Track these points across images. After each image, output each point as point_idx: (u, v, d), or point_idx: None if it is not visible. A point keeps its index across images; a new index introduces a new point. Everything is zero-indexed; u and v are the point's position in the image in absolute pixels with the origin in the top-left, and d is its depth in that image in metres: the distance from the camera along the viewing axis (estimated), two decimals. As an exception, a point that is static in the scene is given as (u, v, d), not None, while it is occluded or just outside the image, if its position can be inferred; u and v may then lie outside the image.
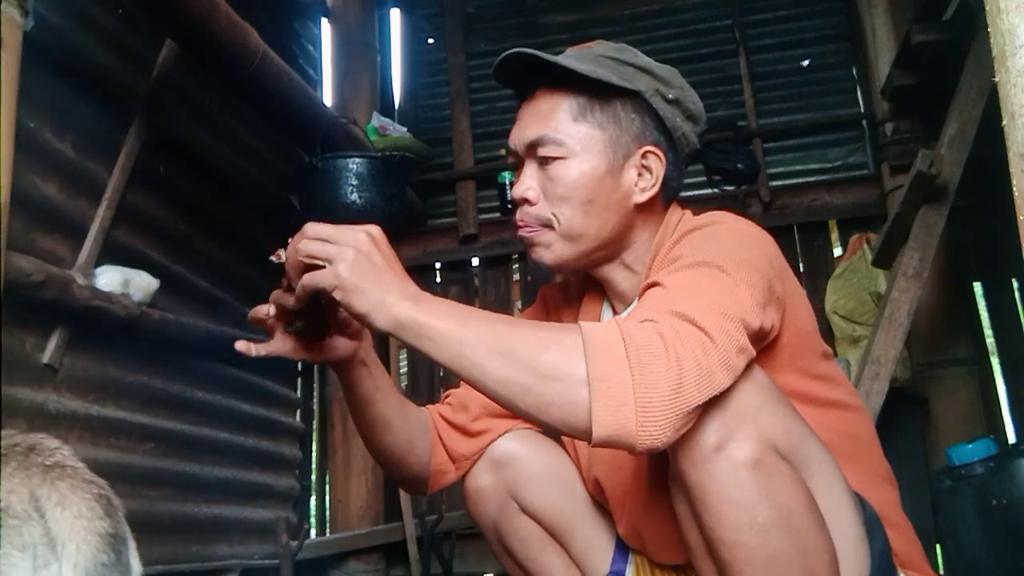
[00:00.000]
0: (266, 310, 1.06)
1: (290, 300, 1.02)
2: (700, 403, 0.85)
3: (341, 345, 1.12)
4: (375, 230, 0.97)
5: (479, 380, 0.89)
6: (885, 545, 1.03)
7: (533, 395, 0.86)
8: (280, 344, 1.08)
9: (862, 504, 1.02)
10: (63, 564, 0.95)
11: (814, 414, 1.04)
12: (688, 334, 0.85)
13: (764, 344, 1.01)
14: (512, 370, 0.87)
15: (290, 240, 1.00)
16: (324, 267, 0.94)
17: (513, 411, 0.90)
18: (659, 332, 0.85)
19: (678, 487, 0.95)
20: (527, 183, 1.20)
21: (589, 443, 0.85)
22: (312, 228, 0.97)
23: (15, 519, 0.94)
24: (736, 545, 0.89)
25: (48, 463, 1.02)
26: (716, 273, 0.95)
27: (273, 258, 1.04)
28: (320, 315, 1.09)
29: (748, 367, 0.92)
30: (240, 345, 1.07)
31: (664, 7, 4.00)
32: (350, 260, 0.92)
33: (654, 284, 0.97)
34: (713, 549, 0.91)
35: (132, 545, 1.06)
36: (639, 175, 1.19)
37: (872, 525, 1.01)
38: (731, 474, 0.89)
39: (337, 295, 0.93)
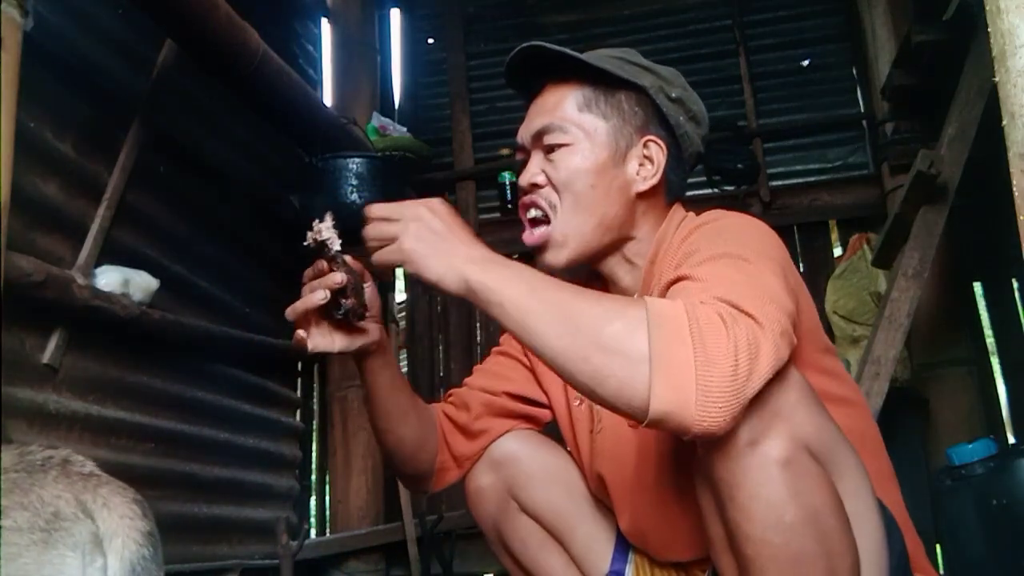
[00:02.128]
0: (322, 295, 1.07)
1: (337, 278, 1.05)
2: (756, 388, 0.84)
3: (373, 328, 1.16)
4: (435, 201, 1.01)
5: (541, 348, 0.90)
6: (903, 550, 1.03)
7: (592, 365, 0.86)
8: (323, 340, 1.12)
9: (882, 508, 1.02)
10: (109, 558, 1.02)
11: None
12: (739, 317, 0.85)
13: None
14: (573, 341, 0.87)
15: (314, 222, 1.05)
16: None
17: (570, 382, 0.90)
18: (719, 313, 0.85)
19: (704, 479, 0.94)
20: (533, 170, 1.23)
21: (640, 421, 0.84)
22: (375, 210, 1.02)
23: (67, 521, 1.02)
24: (761, 542, 0.88)
25: (84, 472, 1.10)
26: (740, 263, 0.95)
27: (308, 242, 1.07)
28: (361, 293, 1.12)
29: (784, 365, 0.91)
30: (299, 335, 1.10)
31: (664, 7, 4.00)
32: (412, 233, 0.98)
33: (682, 278, 0.96)
34: (736, 545, 0.91)
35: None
36: (641, 165, 1.21)
37: (891, 530, 1.01)
38: (762, 471, 0.88)
39: (408, 268, 0.98)
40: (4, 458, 1.07)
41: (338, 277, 1.07)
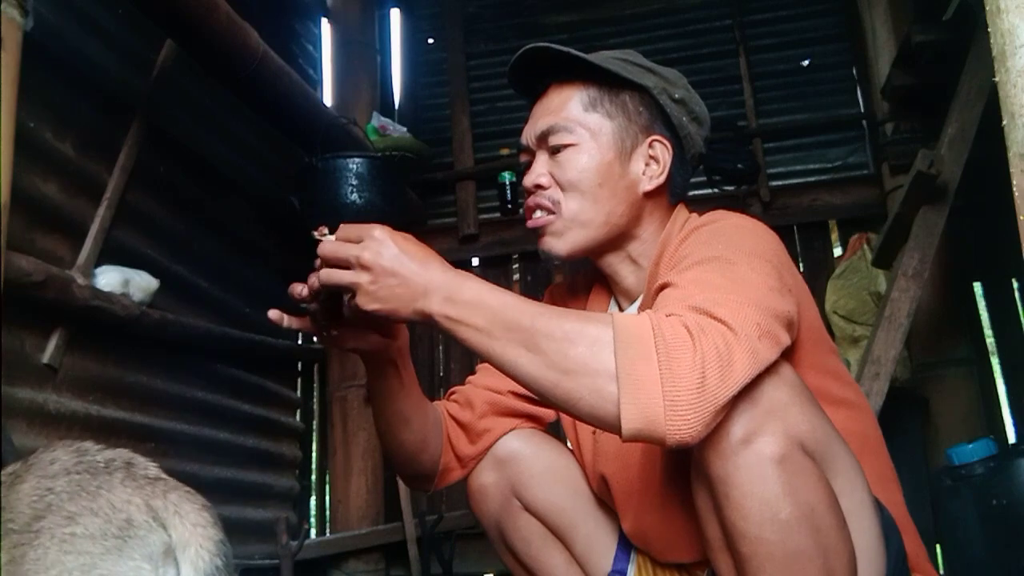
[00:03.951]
0: (302, 288, 1.06)
1: (309, 279, 1.04)
2: (729, 395, 0.84)
3: (372, 339, 1.14)
4: (377, 234, 0.97)
5: (512, 375, 0.91)
6: (900, 548, 1.03)
7: (563, 389, 0.87)
8: (308, 322, 1.11)
9: (879, 507, 1.02)
10: (183, 568, 0.98)
11: (827, 412, 1.04)
12: (708, 326, 0.86)
13: (793, 333, 1.00)
14: (541, 367, 0.88)
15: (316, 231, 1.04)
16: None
17: (547, 404, 0.92)
18: (685, 325, 0.85)
19: (700, 478, 0.95)
20: (538, 170, 1.23)
21: (620, 437, 0.85)
22: (323, 250, 0.98)
23: (141, 529, 0.97)
24: (757, 540, 0.89)
25: (150, 476, 1.05)
26: (726, 266, 0.96)
27: (315, 233, 1.05)
28: (337, 304, 1.09)
29: (777, 363, 0.91)
30: (273, 314, 1.09)
31: (664, 7, 4.00)
32: (365, 286, 0.95)
33: (666, 285, 0.97)
34: (732, 543, 0.91)
35: None
36: (646, 164, 1.22)
37: (888, 528, 1.01)
38: (757, 469, 0.88)
39: (376, 316, 0.97)
40: (61, 456, 1.02)
41: (310, 279, 1.05)
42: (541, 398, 0.91)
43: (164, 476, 1.06)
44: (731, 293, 0.90)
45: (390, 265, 0.94)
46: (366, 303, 0.95)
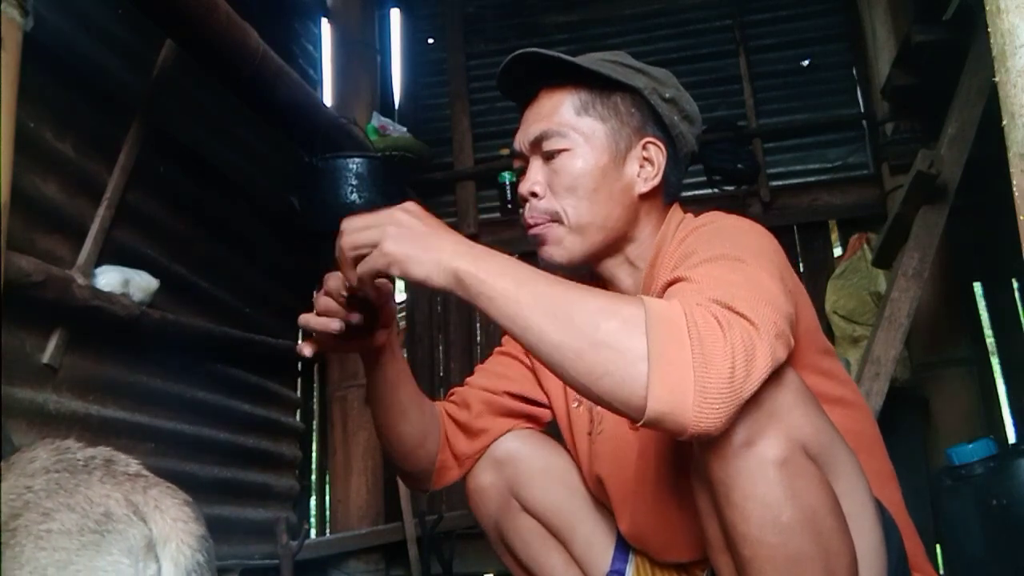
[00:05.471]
0: (337, 326, 1.05)
1: (352, 283, 1.02)
2: (751, 390, 0.83)
3: (378, 331, 1.15)
4: (408, 205, 0.97)
5: (534, 343, 0.87)
6: (901, 549, 1.03)
7: (587, 362, 0.84)
8: (327, 340, 1.10)
9: (880, 508, 1.02)
10: (164, 564, 0.97)
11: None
12: (734, 320, 0.85)
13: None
14: (568, 335, 0.85)
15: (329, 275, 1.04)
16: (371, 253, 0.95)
17: (564, 378, 0.88)
18: (714, 315, 0.84)
19: (701, 480, 0.94)
20: (533, 177, 1.22)
21: (637, 420, 0.83)
22: (349, 223, 0.97)
23: (120, 523, 0.96)
24: (758, 543, 0.88)
25: (130, 472, 1.04)
26: (736, 264, 0.95)
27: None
28: (370, 304, 1.10)
29: (780, 366, 0.90)
30: (304, 348, 1.08)
31: (664, 7, 4.00)
32: (392, 235, 0.93)
33: (677, 280, 0.95)
34: (733, 545, 0.91)
35: None
36: (641, 166, 1.21)
37: (889, 530, 1.01)
38: (759, 472, 0.88)
39: (393, 271, 0.93)
40: (41, 455, 1.01)
41: (355, 319, 1.06)
42: (560, 372, 0.87)
43: (145, 472, 1.05)
44: (747, 290, 0.89)
45: (421, 224, 0.95)
46: (388, 247, 0.93)
